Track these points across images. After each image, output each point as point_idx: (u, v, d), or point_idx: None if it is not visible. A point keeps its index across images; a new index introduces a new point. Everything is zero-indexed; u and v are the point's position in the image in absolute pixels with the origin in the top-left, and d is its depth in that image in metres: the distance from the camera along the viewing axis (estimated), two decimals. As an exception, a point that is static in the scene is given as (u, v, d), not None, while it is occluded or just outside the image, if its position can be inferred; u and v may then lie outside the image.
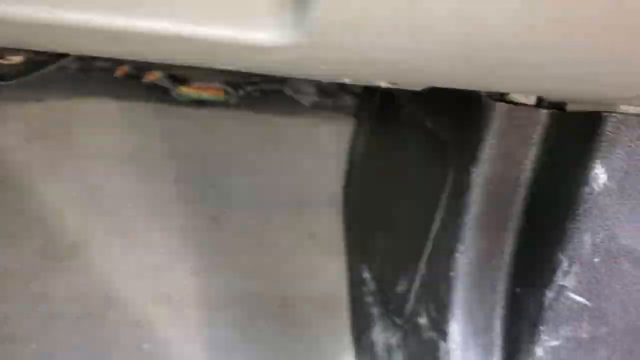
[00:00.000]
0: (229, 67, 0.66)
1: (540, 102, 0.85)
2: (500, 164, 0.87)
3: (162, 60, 0.73)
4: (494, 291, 0.91)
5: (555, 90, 0.75)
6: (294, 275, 1.28)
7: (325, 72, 0.68)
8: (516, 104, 0.85)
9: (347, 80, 0.69)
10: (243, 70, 0.66)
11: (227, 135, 1.34)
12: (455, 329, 0.91)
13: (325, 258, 1.32)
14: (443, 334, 0.92)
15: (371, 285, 1.21)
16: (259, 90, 1.36)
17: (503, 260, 0.90)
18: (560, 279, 0.80)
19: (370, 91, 1.27)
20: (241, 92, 1.36)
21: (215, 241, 1.28)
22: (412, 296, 1.01)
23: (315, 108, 1.39)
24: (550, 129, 0.83)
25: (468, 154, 0.88)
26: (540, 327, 0.84)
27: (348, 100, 1.37)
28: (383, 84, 0.68)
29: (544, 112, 0.84)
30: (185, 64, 0.87)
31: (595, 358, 0.83)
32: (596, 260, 0.79)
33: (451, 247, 0.91)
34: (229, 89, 1.34)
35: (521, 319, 0.86)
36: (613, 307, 0.82)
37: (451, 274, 0.91)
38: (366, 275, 1.24)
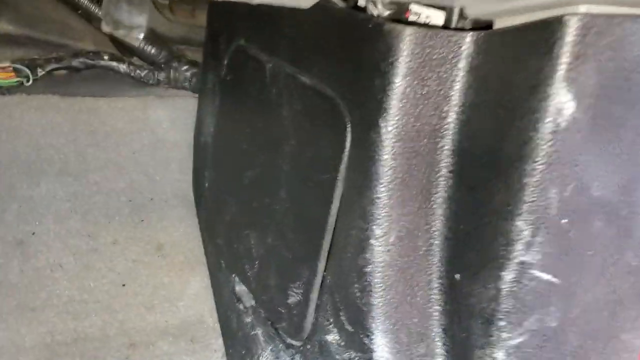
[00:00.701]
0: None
1: (455, 21, 0.63)
2: (415, 113, 0.63)
3: None
4: (427, 284, 0.67)
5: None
6: (142, 302, 0.96)
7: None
8: (427, 26, 0.62)
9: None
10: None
11: (28, 131, 0.98)
12: (381, 342, 0.67)
13: (179, 274, 1.01)
14: (365, 351, 0.67)
15: (248, 301, 0.93)
16: (66, 68, 1.02)
17: (433, 240, 0.66)
18: (520, 254, 0.58)
19: (213, 55, 0.98)
20: (41, 73, 1.01)
21: (25, 276, 0.92)
22: (310, 307, 0.74)
23: (144, 84, 1.07)
24: (477, 56, 0.61)
25: (369, 107, 0.65)
26: (498, 323, 0.61)
27: (185, 71, 1.06)
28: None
29: (464, 36, 0.61)
30: None
31: (568, 348, 0.62)
32: (564, 222, 0.58)
33: (362, 233, 0.66)
34: (24, 69, 0.98)
35: (468, 315, 0.63)
36: (585, 280, 0.62)
37: (366, 269, 0.66)
38: (239, 288, 0.96)
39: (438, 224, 0.67)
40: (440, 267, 0.67)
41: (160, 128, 1.05)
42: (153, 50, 1.08)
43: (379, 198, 0.66)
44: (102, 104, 1.01)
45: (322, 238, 0.73)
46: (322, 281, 0.75)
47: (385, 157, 0.65)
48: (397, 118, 0.64)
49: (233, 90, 0.94)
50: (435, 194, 0.66)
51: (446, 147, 0.65)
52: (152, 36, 1.10)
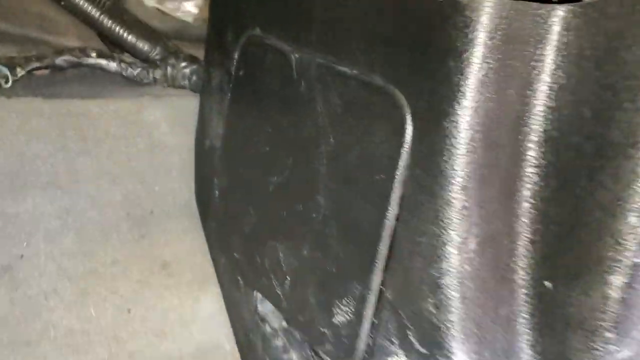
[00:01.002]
0: None
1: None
2: (496, 98, 0.55)
3: None
4: (510, 294, 0.58)
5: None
6: (151, 329, 0.84)
7: None
8: None
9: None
10: None
11: (10, 140, 0.86)
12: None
13: (189, 294, 0.90)
14: (443, 374, 0.58)
15: (276, 321, 0.82)
16: (48, 67, 0.90)
17: (517, 245, 0.57)
18: (634, 255, 0.50)
19: (219, 49, 0.87)
20: (20, 73, 0.88)
21: (16, 306, 0.80)
22: (364, 326, 0.65)
23: (138, 83, 0.95)
24: (570, 32, 0.53)
25: (440, 93, 0.56)
26: (605, 334, 0.53)
27: (184, 68, 0.95)
28: None
29: (554, 8, 0.53)
30: None
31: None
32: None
33: (435, 240, 0.57)
34: (1, 69, 0.86)
35: (564, 327, 0.55)
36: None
37: (443, 280, 0.58)
38: (263, 307, 0.85)
39: (523, 225, 0.58)
40: (525, 274, 0.58)
41: (157, 131, 0.94)
42: (146, 46, 0.96)
43: (454, 199, 0.56)
44: (92, 107, 0.89)
45: (377, 247, 0.64)
46: (380, 296, 0.65)
47: (462, 150, 0.56)
48: (475, 104, 0.55)
49: (248, 86, 0.84)
50: (520, 191, 0.58)
51: (533, 137, 0.56)
52: (145, 29, 0.98)
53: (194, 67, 0.99)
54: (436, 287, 0.59)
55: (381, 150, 0.63)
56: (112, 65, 0.96)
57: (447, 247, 0.58)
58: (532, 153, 0.58)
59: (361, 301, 0.67)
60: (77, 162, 0.91)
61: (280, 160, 0.77)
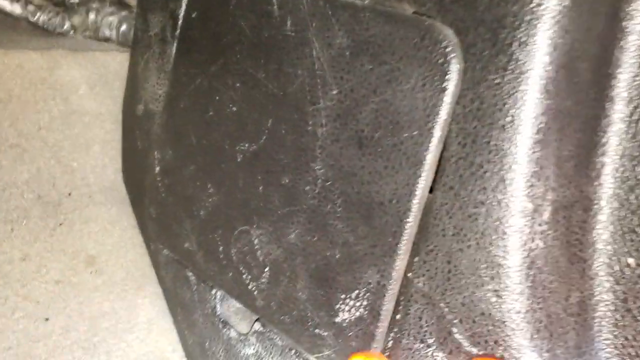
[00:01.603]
0: None
1: None
2: (578, 34, 0.43)
3: None
4: (585, 276, 0.46)
5: None
6: (77, 342, 0.65)
7: None
8: None
9: None
10: None
11: None
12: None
13: (122, 297, 0.71)
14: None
15: (244, 325, 0.66)
16: None
17: (594, 216, 0.46)
18: None
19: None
20: None
21: None
22: (381, 324, 0.51)
23: (49, 33, 0.75)
24: None
25: (506, 24, 0.43)
26: None
27: (110, 15, 0.76)
28: None
29: None
30: None
31: None
32: None
33: (495, 210, 0.44)
34: None
35: None
36: None
37: (506, 261, 0.44)
38: (224, 308, 0.69)
39: (601, 190, 0.46)
40: (601, 251, 0.46)
41: (74, 95, 0.74)
42: (60, -15, 0.76)
43: (529, 156, 0.43)
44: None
45: (403, 225, 0.49)
46: (406, 287, 0.51)
47: (538, 91, 0.43)
48: (554, 38, 0.42)
49: (204, 32, 0.67)
50: (602, 146, 0.45)
51: (621, 83, 0.44)
52: (59, -35, 0.77)
53: (124, 13, 0.79)
54: (498, 270, 0.45)
55: (412, 99, 0.49)
56: (17, 8, 0.74)
57: (516, 218, 0.44)
58: (618, 104, 0.45)
59: (378, 293, 0.52)
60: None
61: (254, 124, 0.61)
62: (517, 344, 0.47)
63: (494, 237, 0.46)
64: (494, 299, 0.47)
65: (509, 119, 0.45)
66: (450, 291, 0.50)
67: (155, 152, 0.73)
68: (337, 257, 0.56)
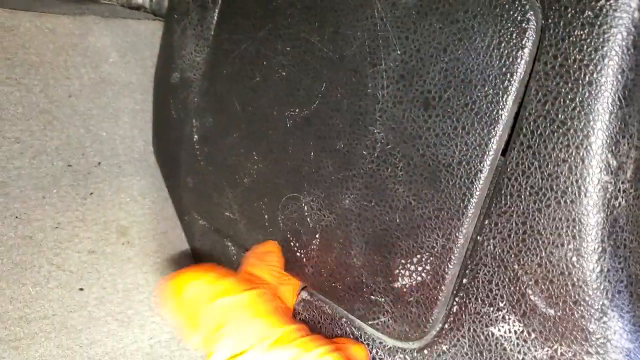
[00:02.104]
0: None
1: None
2: None
3: None
4: None
5: None
6: (112, 314, 0.63)
7: None
8: None
9: None
10: None
11: None
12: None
13: (157, 269, 0.69)
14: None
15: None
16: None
17: None
18: None
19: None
20: None
21: None
22: (446, 288, 0.50)
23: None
24: None
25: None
26: None
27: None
28: None
29: None
30: None
31: None
32: None
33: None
34: None
35: None
36: None
37: (584, 218, 0.44)
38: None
39: None
40: None
41: (105, 63, 0.71)
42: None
43: (610, 116, 0.43)
44: (23, 21, 0.65)
45: (473, 187, 0.48)
46: (475, 250, 0.50)
47: (622, 53, 0.43)
48: None
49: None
50: None
51: None
52: None
53: (159, -19, 0.77)
54: (580, 229, 0.45)
55: (487, 57, 0.48)
56: (49, -30, 0.72)
57: (600, 175, 0.44)
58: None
59: (443, 257, 0.51)
60: (0, 94, 0.66)
61: (305, 89, 0.60)
62: (598, 304, 0.46)
63: (576, 195, 0.46)
64: (574, 259, 0.46)
65: (595, 75, 0.45)
66: (525, 252, 0.49)
67: (194, 120, 0.71)
68: (397, 221, 0.55)
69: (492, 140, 0.49)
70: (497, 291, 0.51)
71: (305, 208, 0.61)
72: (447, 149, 0.52)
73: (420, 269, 0.54)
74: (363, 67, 0.57)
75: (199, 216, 0.73)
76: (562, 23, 0.46)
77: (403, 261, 0.55)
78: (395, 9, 0.55)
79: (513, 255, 0.49)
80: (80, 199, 0.70)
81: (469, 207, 0.51)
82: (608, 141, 0.45)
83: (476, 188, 0.50)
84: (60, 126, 0.72)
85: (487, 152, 0.50)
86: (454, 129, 0.51)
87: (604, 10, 0.45)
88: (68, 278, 0.65)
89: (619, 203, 0.46)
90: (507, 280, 0.50)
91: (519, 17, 0.48)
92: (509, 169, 0.49)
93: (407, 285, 0.55)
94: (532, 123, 0.48)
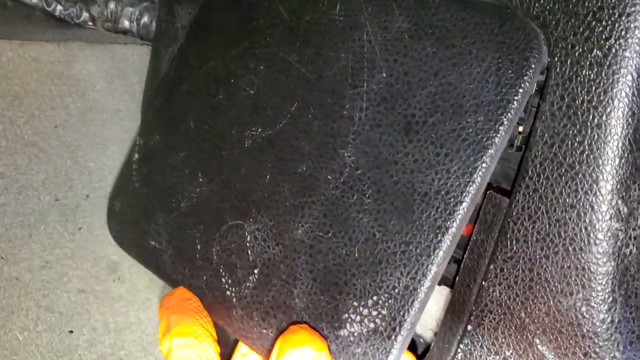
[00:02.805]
0: None
1: None
2: None
3: None
4: None
5: None
6: (103, 357, 0.61)
7: None
8: None
9: None
10: None
11: None
12: None
13: (148, 306, 0.67)
14: None
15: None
16: None
17: None
18: None
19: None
20: None
21: None
22: (401, 336, 0.48)
23: (66, 24, 0.71)
24: None
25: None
26: None
27: (130, 5, 0.72)
28: None
29: None
30: None
31: None
32: None
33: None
34: None
35: None
36: None
37: (594, 267, 0.43)
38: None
39: None
40: None
41: (92, 90, 0.69)
42: (76, -26, 0.71)
43: (621, 161, 0.41)
44: (5, 51, 0.63)
45: (452, 219, 0.46)
46: (480, 296, 0.48)
47: (633, 95, 0.41)
48: None
49: (229, 16, 0.63)
50: None
51: None
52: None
53: (145, 4, 0.75)
54: (590, 277, 0.43)
55: (482, 83, 0.46)
56: (32, -3, 0.69)
57: (610, 222, 0.42)
58: None
59: (404, 300, 0.47)
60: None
61: (274, 108, 0.57)
62: (609, 356, 0.44)
63: (585, 243, 0.44)
64: (584, 309, 0.44)
65: (605, 117, 0.43)
66: (532, 300, 0.47)
67: (138, 139, 0.67)
68: (355, 256, 0.50)
69: (478, 169, 0.47)
70: (503, 339, 0.49)
71: (248, 238, 0.57)
72: (426, 176, 0.48)
73: (375, 313, 0.49)
74: (342, 88, 0.54)
75: (118, 244, 0.66)
76: (569, 62, 0.44)
77: (355, 303, 0.50)
78: (387, 32, 0.52)
79: (520, 303, 0.48)
80: (68, 234, 0.68)
81: (442, 242, 0.47)
82: (618, 187, 0.43)
83: (454, 221, 0.47)
84: (46, 159, 0.70)
85: (472, 182, 0.47)
86: (435, 155, 0.48)
87: (613, 49, 0.43)
88: (57, 320, 0.63)
89: (630, 251, 0.44)
90: (513, 328, 0.48)
91: (521, 46, 0.46)
92: (514, 213, 0.47)
93: (355, 334, 0.49)
94: (538, 165, 0.46)
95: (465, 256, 0.54)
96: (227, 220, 0.57)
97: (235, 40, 0.63)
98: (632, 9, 0.43)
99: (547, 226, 0.47)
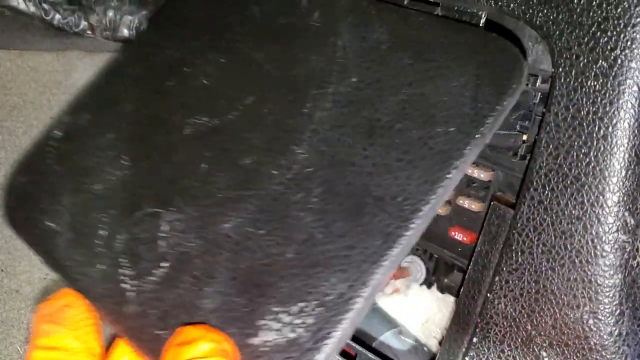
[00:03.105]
0: None
1: None
2: None
3: None
4: None
5: None
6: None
7: None
8: None
9: None
10: None
11: None
12: None
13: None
14: None
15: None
16: None
17: None
18: None
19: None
20: None
21: None
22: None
23: (64, 32, 0.70)
24: None
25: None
26: None
27: (129, 13, 0.71)
28: None
29: None
30: None
31: None
32: None
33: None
34: None
35: None
36: None
37: (601, 280, 0.43)
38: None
39: None
40: None
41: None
42: (75, -18, 0.71)
43: (627, 172, 0.41)
44: (3, 61, 0.63)
45: (405, 227, 0.40)
46: (486, 308, 0.48)
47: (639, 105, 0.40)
48: None
49: (197, 11, 0.62)
50: None
51: None
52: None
53: (144, 12, 0.74)
54: (597, 290, 0.43)
55: (458, 96, 0.43)
56: (31, 7, 0.69)
57: (617, 234, 0.42)
58: None
59: (336, 310, 0.37)
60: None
61: (227, 99, 0.52)
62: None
63: (592, 255, 0.44)
64: (591, 322, 0.44)
65: (610, 129, 0.42)
66: (538, 313, 0.47)
67: (63, 116, 0.62)
68: (287, 256, 0.44)
69: (442, 177, 0.42)
70: (509, 352, 0.49)
71: (165, 228, 0.49)
72: (384, 180, 0.44)
73: (298, 321, 0.41)
74: (307, 88, 0.51)
75: (9, 223, 0.60)
76: (574, 72, 0.44)
77: (276, 309, 0.42)
78: (364, 41, 0.51)
79: (526, 316, 0.47)
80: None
81: (391, 250, 0.41)
82: (625, 198, 0.43)
83: (407, 229, 0.41)
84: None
85: (434, 190, 0.42)
86: (397, 160, 0.44)
87: (619, 60, 0.42)
88: None
89: (638, 263, 0.44)
90: (519, 341, 0.48)
91: (504, 66, 0.44)
92: (519, 224, 0.47)
93: (269, 343, 0.41)
94: (543, 177, 0.46)
95: (469, 267, 0.54)
96: (143, 207, 0.51)
97: (198, 33, 0.60)
98: (638, 19, 0.42)
99: (553, 238, 0.47)
